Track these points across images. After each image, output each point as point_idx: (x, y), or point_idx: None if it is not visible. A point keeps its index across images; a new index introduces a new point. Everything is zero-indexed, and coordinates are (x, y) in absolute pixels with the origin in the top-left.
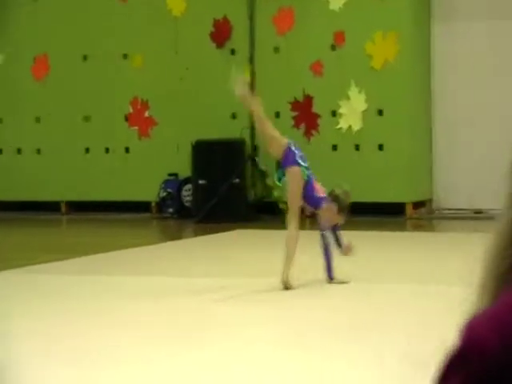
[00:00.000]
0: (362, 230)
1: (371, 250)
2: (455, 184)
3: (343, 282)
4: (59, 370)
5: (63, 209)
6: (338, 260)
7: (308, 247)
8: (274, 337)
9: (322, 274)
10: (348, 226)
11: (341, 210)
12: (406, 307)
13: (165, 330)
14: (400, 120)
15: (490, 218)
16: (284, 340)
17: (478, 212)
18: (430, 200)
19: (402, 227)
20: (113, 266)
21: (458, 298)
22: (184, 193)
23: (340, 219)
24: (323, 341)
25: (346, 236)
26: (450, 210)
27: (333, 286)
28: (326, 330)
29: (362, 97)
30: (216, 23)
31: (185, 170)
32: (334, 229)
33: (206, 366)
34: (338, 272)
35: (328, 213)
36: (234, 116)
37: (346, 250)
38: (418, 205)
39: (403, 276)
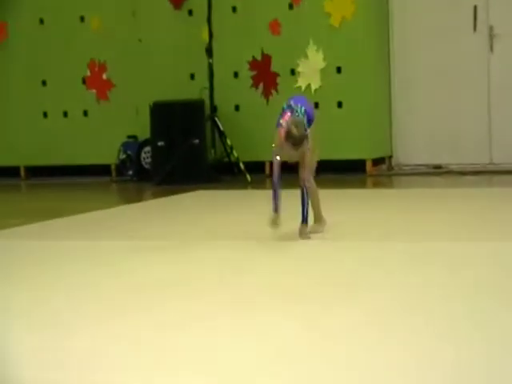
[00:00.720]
0: (323, 188)
1: (332, 208)
2: (414, 140)
3: (316, 232)
4: (22, 336)
5: (22, 174)
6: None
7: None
8: (225, 298)
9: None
10: None
11: (287, 137)
12: (371, 264)
13: (121, 292)
14: (359, 77)
15: (449, 172)
16: (238, 302)
17: (437, 167)
18: (390, 157)
19: (362, 184)
20: (72, 231)
21: (421, 252)
22: (143, 155)
23: (287, 148)
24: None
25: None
26: (409, 166)
27: (300, 244)
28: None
29: (321, 55)
30: None
31: (144, 132)
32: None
33: (162, 327)
34: (295, 229)
35: (275, 136)
36: (192, 77)
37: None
38: (377, 162)
39: (365, 233)
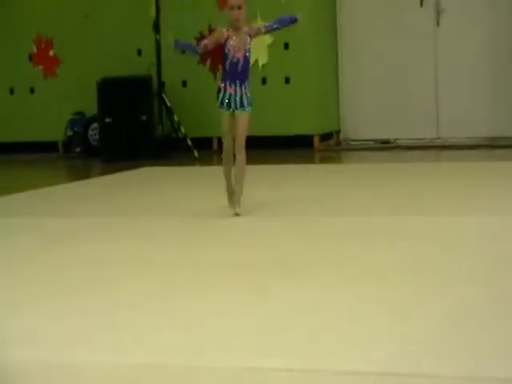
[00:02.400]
0: (271, 164)
1: (279, 183)
2: (362, 115)
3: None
4: None
5: None
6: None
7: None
8: (177, 275)
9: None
10: (256, 159)
11: None
12: (318, 238)
13: (70, 269)
14: (306, 53)
15: (397, 147)
16: (191, 278)
17: (386, 142)
18: (338, 132)
19: (310, 160)
20: (19, 208)
21: (363, 226)
22: (91, 132)
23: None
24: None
25: (254, 170)
26: (357, 141)
27: (248, 221)
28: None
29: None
30: None
31: (91, 108)
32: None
33: (113, 306)
34: (245, 206)
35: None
36: (139, 52)
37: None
38: (325, 137)
39: (311, 209)
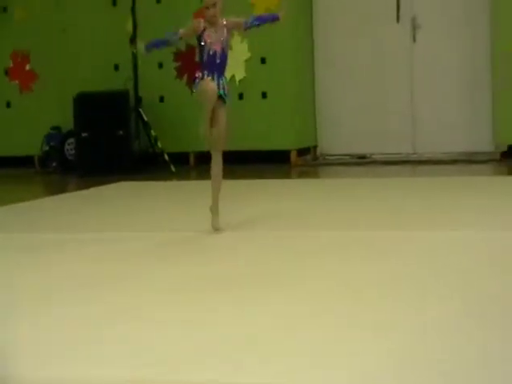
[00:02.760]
0: (248, 179)
1: (256, 199)
2: (339, 130)
3: (217, 229)
4: None
5: None
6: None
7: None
8: (151, 289)
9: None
10: (233, 174)
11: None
12: (293, 253)
13: (46, 284)
14: (283, 68)
15: (373, 162)
16: (165, 292)
17: (362, 157)
18: (315, 147)
19: (287, 175)
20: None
21: (344, 241)
22: (67, 146)
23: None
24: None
25: (231, 185)
26: (333, 155)
27: (221, 236)
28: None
29: (245, 46)
30: None
31: (68, 123)
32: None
33: (87, 320)
34: (223, 221)
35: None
36: (116, 67)
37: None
38: (302, 152)
39: (287, 223)
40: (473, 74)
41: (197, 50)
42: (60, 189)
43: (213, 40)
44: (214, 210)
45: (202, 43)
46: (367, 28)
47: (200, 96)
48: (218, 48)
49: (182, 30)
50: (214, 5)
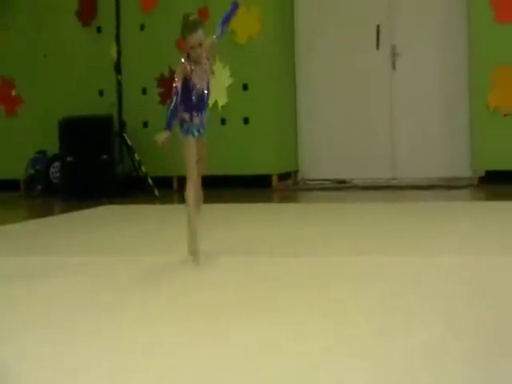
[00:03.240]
0: (229, 203)
1: (236, 223)
2: (320, 155)
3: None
4: None
5: None
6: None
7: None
8: (133, 316)
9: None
10: (214, 199)
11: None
12: (272, 280)
13: (31, 310)
14: (265, 94)
15: (353, 187)
16: (145, 319)
17: (342, 182)
18: (296, 171)
19: (268, 199)
20: None
21: (326, 267)
22: (52, 170)
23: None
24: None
25: (213, 209)
26: (314, 180)
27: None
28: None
29: (227, 72)
30: (81, 1)
31: (53, 147)
32: None
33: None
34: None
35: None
36: (101, 93)
37: None
38: (283, 177)
39: (272, 248)
40: (451, 100)
41: (180, 89)
42: (45, 212)
43: (200, 79)
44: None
45: (191, 85)
46: (348, 55)
47: (185, 153)
48: (204, 86)
49: (176, 85)
50: (200, 44)
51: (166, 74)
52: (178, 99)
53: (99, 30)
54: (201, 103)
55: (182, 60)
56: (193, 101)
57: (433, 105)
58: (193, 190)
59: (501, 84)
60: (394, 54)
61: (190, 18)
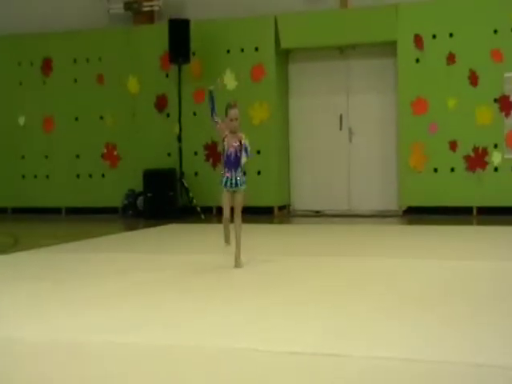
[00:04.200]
0: (249, 223)
1: (257, 235)
2: (304, 194)
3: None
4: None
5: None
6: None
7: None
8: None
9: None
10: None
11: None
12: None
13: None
14: (270, 156)
15: (325, 215)
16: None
17: (318, 212)
18: (289, 205)
19: (270, 222)
20: (101, 247)
21: (314, 264)
22: (138, 201)
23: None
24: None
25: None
26: (301, 211)
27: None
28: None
29: (247, 142)
30: (158, 97)
31: (139, 187)
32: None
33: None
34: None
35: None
36: (169, 154)
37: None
38: (281, 208)
39: (280, 251)
40: (386, 162)
41: (220, 147)
42: (134, 227)
43: (230, 144)
44: (237, 252)
45: (225, 146)
46: (323, 132)
47: (221, 200)
48: (232, 150)
49: (219, 123)
50: (237, 119)
51: (209, 143)
52: (215, 115)
53: (168, 115)
54: (229, 161)
55: (224, 128)
56: (224, 157)
57: (374, 164)
58: (226, 222)
59: (416, 154)
60: (350, 133)
61: (231, 101)
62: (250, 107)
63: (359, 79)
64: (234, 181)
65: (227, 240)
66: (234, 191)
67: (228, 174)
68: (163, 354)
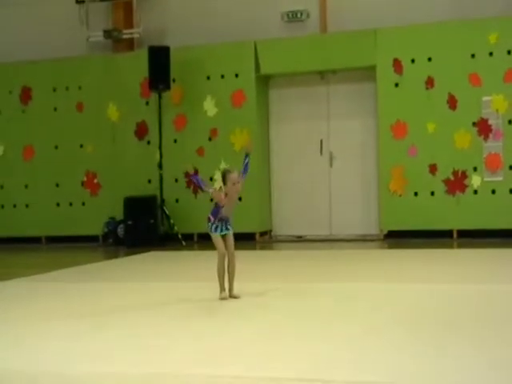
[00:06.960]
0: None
1: (240, 260)
2: (284, 219)
3: (235, 297)
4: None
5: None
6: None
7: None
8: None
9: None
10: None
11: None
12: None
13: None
14: (252, 182)
15: (306, 240)
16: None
17: (299, 237)
18: (270, 230)
19: (253, 248)
20: (78, 276)
21: (295, 290)
22: (119, 229)
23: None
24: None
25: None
26: (282, 235)
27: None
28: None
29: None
30: (138, 124)
31: (120, 215)
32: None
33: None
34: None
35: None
36: (149, 181)
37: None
38: (262, 234)
39: (263, 276)
40: (367, 187)
41: (212, 202)
42: (115, 255)
43: (227, 212)
44: (231, 287)
45: (221, 210)
46: (304, 158)
47: (214, 242)
48: (229, 215)
49: (212, 191)
50: (239, 182)
51: (191, 170)
52: (205, 186)
53: (148, 142)
54: (222, 220)
55: (222, 194)
56: (217, 215)
57: (355, 188)
58: (221, 260)
59: (396, 177)
60: (331, 158)
61: (225, 168)
62: (231, 133)
63: (339, 104)
64: (224, 226)
65: (223, 288)
66: (225, 234)
67: (219, 224)
68: (141, 381)
